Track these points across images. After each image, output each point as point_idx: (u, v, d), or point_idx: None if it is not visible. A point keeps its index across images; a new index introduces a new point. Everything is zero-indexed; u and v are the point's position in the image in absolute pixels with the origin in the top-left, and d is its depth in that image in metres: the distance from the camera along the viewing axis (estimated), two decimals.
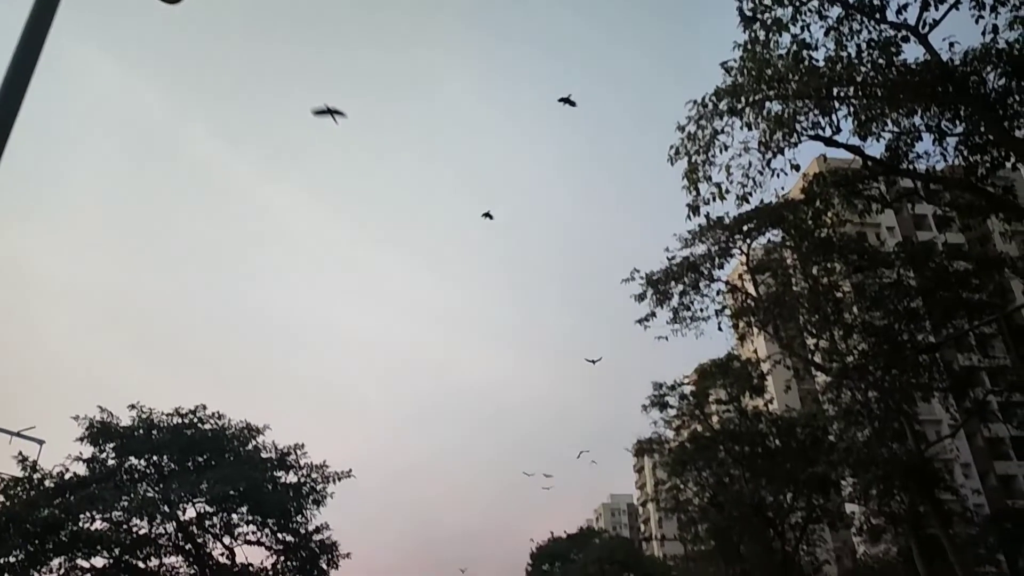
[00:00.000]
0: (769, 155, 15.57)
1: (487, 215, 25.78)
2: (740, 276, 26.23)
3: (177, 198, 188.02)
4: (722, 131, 16.85)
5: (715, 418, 34.81)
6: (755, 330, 25.44)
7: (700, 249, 22.72)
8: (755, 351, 33.86)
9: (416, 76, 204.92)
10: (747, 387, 31.90)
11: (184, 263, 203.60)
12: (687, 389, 34.30)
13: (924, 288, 23.49)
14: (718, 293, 23.97)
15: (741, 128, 16.66)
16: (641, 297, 23.36)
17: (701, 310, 23.09)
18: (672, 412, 34.51)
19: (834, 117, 16.17)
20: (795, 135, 14.88)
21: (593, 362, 35.81)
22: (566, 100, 21.23)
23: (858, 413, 23.69)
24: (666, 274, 22.90)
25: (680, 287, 22.82)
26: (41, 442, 27.87)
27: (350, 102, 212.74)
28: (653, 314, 23.18)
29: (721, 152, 17.03)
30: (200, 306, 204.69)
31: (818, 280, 23.04)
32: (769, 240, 23.85)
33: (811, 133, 15.07)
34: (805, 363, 25.37)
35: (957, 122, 15.25)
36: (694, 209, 17.90)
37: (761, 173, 15.90)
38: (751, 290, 23.87)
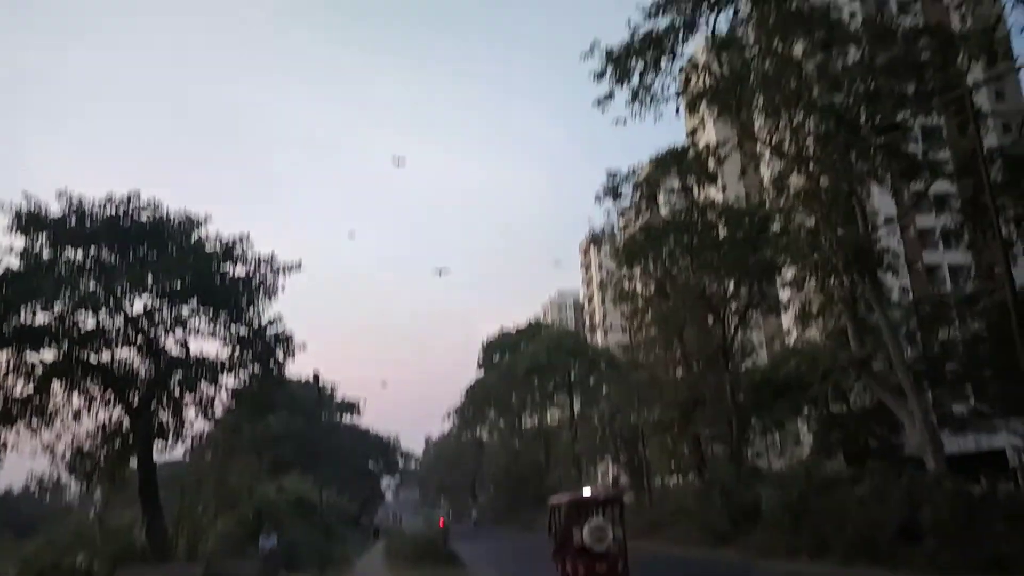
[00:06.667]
0: None
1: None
2: (692, 61, 25.00)
3: None
4: None
5: (666, 209, 35.00)
6: (713, 113, 24.73)
7: (664, 22, 21.32)
8: (705, 144, 33.47)
9: None
10: (701, 175, 31.77)
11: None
12: (641, 178, 34.05)
13: (887, 68, 22.82)
14: (680, 71, 22.91)
15: None
16: (600, 75, 22.15)
17: (662, 89, 22.12)
18: (625, 203, 34.53)
19: None
20: None
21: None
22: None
23: (808, 197, 23.82)
24: (627, 50, 21.59)
25: (641, 65, 21.63)
26: None
27: None
28: (612, 94, 22.16)
29: None
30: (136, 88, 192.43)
31: (782, 57, 22.10)
32: (737, 12, 22.49)
33: None
34: (766, 146, 25.03)
35: None
36: None
37: None
38: (715, 68, 22.84)
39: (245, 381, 30.15)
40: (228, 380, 29.70)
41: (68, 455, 28.69)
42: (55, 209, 26.03)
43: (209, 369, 28.92)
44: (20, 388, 26.54)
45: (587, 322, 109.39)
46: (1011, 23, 19.41)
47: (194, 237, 27.97)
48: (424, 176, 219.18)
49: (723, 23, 22.50)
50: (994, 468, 32.21)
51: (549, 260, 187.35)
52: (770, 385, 33.24)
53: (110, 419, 28.93)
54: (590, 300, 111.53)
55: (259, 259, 28.87)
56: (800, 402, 33.64)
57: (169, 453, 31.33)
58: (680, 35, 21.26)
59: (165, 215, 27.50)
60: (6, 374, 26.09)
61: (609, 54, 21.81)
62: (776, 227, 29.83)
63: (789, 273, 32.09)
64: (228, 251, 28.40)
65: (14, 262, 25.62)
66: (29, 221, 25.32)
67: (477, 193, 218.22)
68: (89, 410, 28.45)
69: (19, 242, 25.77)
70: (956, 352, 33.30)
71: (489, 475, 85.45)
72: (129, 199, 26.77)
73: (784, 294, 37.25)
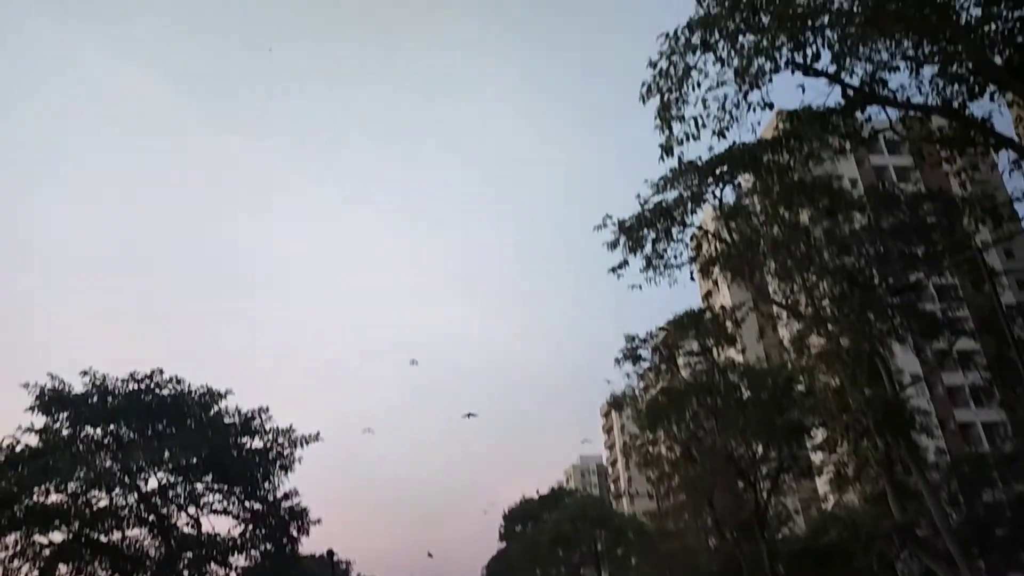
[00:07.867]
0: (746, 87, 15.11)
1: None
2: (702, 228, 25.90)
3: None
4: (695, 67, 16.32)
5: (686, 371, 34.75)
6: (727, 277, 25.20)
7: (672, 195, 22.29)
8: (721, 306, 33.86)
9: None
10: (720, 337, 31.84)
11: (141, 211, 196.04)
12: (659, 341, 34.14)
13: (894, 232, 23.44)
14: (691, 239, 23.62)
15: (715, 63, 16.15)
16: (613, 245, 22.88)
17: (675, 257, 22.75)
18: (645, 365, 34.39)
19: (809, 50, 15.76)
20: (773, 62, 14.38)
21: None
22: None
23: (830, 357, 23.62)
24: (639, 221, 22.41)
25: (653, 234, 22.38)
26: None
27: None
28: (626, 262, 22.76)
29: (694, 90, 16.54)
30: (155, 258, 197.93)
31: (789, 224, 22.84)
32: (740, 185, 23.51)
33: (789, 58, 14.59)
34: (782, 308, 25.28)
35: (935, 49, 14.87)
36: (667, 150, 17.36)
37: (737, 107, 15.47)
38: (725, 235, 23.56)
39: (256, 559, 29.12)
40: (239, 560, 28.72)
41: None
42: (78, 387, 26.43)
43: (220, 549, 28.06)
44: (24, 573, 25.67)
45: (611, 488, 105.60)
46: (1011, 189, 20.03)
47: (213, 411, 28.07)
48: (444, 336, 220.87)
49: (729, 193, 23.51)
50: None
51: (569, 422, 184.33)
52: (810, 555, 31.37)
53: None
54: (613, 464, 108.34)
55: (277, 431, 28.80)
56: (844, 573, 31.53)
57: None
58: (688, 206, 22.17)
59: (186, 389, 27.79)
60: (12, 557, 25.35)
61: (621, 224, 22.66)
62: (801, 387, 29.43)
63: (819, 435, 31.18)
64: (246, 424, 28.42)
65: (32, 440, 25.68)
66: (52, 401, 25.64)
67: (500, 355, 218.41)
68: None
69: (39, 420, 25.95)
70: (1003, 515, 31.61)
71: None
72: (151, 375, 27.20)
73: (816, 457, 36.01)
